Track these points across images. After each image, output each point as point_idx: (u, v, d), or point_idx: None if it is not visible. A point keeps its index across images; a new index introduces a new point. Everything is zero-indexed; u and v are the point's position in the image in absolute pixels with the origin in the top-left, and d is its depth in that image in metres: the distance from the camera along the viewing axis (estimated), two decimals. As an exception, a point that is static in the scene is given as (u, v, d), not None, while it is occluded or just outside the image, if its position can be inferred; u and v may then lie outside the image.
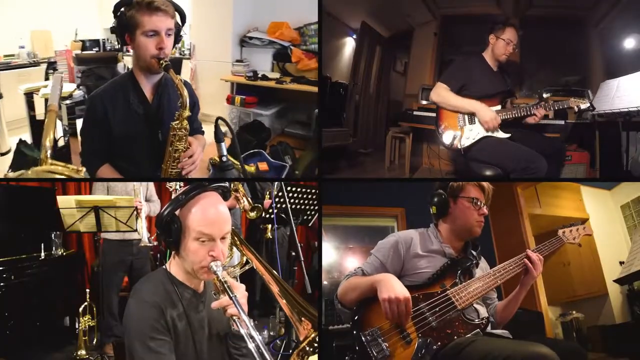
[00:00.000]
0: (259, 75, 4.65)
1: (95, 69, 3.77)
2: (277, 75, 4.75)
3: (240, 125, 4.63)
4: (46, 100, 3.65)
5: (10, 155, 3.68)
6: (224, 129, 1.98)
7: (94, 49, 5.21)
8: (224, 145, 1.89)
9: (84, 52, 4.66)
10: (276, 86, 4.54)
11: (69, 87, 3.58)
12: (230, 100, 4.74)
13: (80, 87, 3.66)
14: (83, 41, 5.27)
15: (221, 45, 4.98)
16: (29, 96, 3.82)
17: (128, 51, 5.87)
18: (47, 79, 4.23)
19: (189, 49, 5.56)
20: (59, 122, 3.69)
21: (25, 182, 3.57)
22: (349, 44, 4.84)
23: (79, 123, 3.30)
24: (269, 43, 4.79)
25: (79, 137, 2.11)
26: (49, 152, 1.62)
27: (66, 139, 3.54)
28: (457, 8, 4.32)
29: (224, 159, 1.89)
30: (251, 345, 1.27)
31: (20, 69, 5.08)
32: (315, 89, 4.32)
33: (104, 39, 5.66)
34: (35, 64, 5.24)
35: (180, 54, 5.61)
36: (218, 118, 1.90)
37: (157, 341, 1.32)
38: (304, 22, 4.75)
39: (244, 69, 4.79)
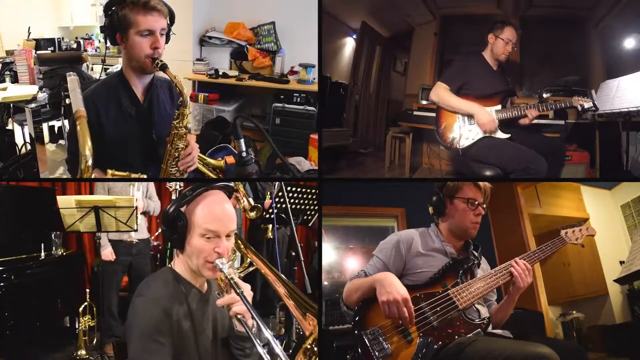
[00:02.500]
0: (220, 73, 4.86)
1: (58, 69, 3.61)
2: (235, 72, 4.99)
3: (204, 122, 4.76)
4: (1, 105, 3.53)
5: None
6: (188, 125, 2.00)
7: (48, 49, 5.09)
8: (243, 142, 1.89)
9: (45, 52, 4.53)
10: (236, 83, 4.82)
11: (30, 90, 3.42)
12: (194, 98, 4.87)
13: (44, 89, 3.52)
14: (37, 40, 5.11)
15: (182, 44, 5.05)
16: None
17: (86, 50, 5.82)
18: (2, 80, 3.99)
19: None
20: (18, 128, 3.61)
21: (25, 182, 3.57)
22: (349, 44, 4.84)
23: (45, 127, 3.20)
24: (227, 42, 5.01)
25: (67, 142, 2.04)
26: (90, 161, 1.57)
27: (29, 144, 3.42)
28: (457, 8, 4.32)
29: (244, 154, 1.89)
30: (257, 343, 1.26)
31: None
32: (271, 84, 4.72)
33: (59, 38, 5.53)
34: None
35: None
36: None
37: (158, 344, 1.31)
38: (257, 22, 5.00)
39: (205, 68, 4.96)
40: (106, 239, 3.27)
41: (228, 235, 1.39)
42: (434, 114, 2.85)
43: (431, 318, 1.61)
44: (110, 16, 1.90)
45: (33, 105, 3.26)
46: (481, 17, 4.01)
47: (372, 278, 1.66)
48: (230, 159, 3.39)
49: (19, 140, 3.75)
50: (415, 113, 4.11)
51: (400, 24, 4.74)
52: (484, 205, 1.85)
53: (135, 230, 3.14)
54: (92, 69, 4.31)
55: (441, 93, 2.71)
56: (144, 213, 3.39)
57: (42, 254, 3.36)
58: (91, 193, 3.72)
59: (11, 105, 3.49)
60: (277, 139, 4.42)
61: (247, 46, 4.98)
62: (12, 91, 3.49)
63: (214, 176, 2.94)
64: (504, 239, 3.41)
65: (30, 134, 3.36)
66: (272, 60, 4.96)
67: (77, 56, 4.00)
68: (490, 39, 2.71)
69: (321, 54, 3.99)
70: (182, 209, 1.39)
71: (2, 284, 2.97)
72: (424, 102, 4.17)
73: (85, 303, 3.33)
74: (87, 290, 3.40)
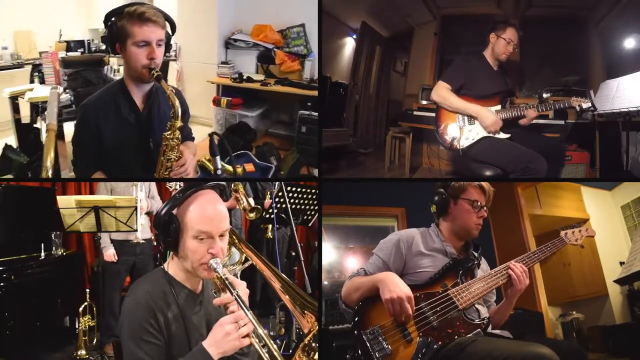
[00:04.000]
0: (245, 77, 4.70)
1: (82, 71, 3.71)
2: (261, 77, 4.79)
3: (226, 126, 4.67)
4: (32, 104, 3.64)
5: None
6: (210, 129, 1.98)
7: (78, 50, 5.16)
8: (219, 159, 1.91)
9: (70, 55, 4.61)
10: (261, 88, 4.60)
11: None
12: (216, 102, 4.78)
13: (67, 90, 3.63)
14: (67, 42, 5.21)
15: (207, 47, 4.99)
16: (14, 99, 3.80)
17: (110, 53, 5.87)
18: (32, 81, 4.20)
19: (175, 50, 5.55)
20: (43, 125, 3.68)
21: (26, 182, 3.57)
22: (349, 44, 4.84)
23: (66, 126, 3.28)
24: (254, 45, 4.86)
25: (72, 145, 2.10)
26: (50, 172, 1.64)
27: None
28: (457, 8, 4.32)
29: (219, 172, 1.90)
30: (255, 340, 1.27)
31: (3, 70, 5.04)
32: (298, 90, 4.43)
33: (88, 40, 5.60)
34: (19, 65, 5.19)
35: (167, 56, 5.60)
36: (212, 133, 1.92)
37: (148, 344, 1.33)
38: (286, 24, 4.82)
39: (230, 71, 4.83)
40: (107, 240, 3.27)
41: (222, 235, 1.39)
42: (434, 114, 2.85)
43: (431, 318, 1.61)
44: (110, 27, 1.95)
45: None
46: (481, 17, 4.02)
47: (374, 278, 1.66)
48: (250, 167, 3.41)
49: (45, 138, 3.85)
50: (415, 113, 4.11)
51: (400, 24, 4.74)
52: (486, 208, 1.85)
53: (135, 230, 3.14)
54: (118, 71, 4.40)
55: (444, 93, 2.70)
56: (148, 213, 3.39)
57: (42, 254, 3.36)
58: (91, 193, 3.73)
59: (39, 105, 3.61)
60: (303, 148, 4.22)
61: (275, 49, 4.77)
62: (38, 92, 3.65)
63: (229, 182, 2.96)
64: (504, 240, 3.41)
65: (53, 132, 3.47)
66: (302, 65, 4.74)
67: (98, 59, 4.09)
68: (492, 38, 2.71)
69: (321, 54, 3.99)
70: (174, 212, 1.39)
71: (2, 284, 2.96)
72: (424, 102, 4.17)
73: (85, 303, 3.33)
74: (87, 290, 3.40)
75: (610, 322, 3.41)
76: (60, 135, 3.29)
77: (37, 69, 4.21)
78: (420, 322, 1.60)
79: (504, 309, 1.84)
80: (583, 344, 3.34)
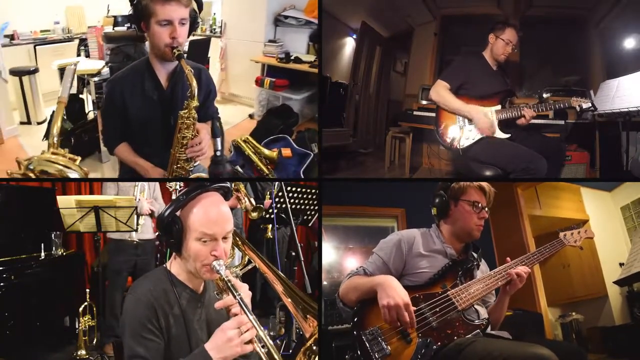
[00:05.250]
0: (292, 57, 4.36)
1: (123, 47, 3.83)
2: (311, 57, 4.38)
3: (268, 108, 4.44)
4: (78, 77, 3.85)
5: (45, 125, 3.93)
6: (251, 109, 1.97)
7: (125, 25, 5.27)
8: (219, 141, 1.93)
9: (112, 30, 4.76)
10: (309, 70, 4.24)
11: (97, 64, 3.80)
12: (259, 82, 4.54)
13: (109, 64, 3.78)
14: (115, 17, 5.32)
15: (254, 23, 4.75)
16: (62, 71, 3.96)
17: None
18: (78, 55, 4.50)
19: (220, 27, 5.35)
20: (89, 97, 4.03)
21: (26, 182, 3.57)
22: (349, 44, 4.83)
23: None
24: (306, 23, 4.53)
25: (101, 118, 2.20)
26: (55, 139, 1.76)
27: (95, 112, 3.76)
28: (457, 8, 4.32)
29: (218, 153, 1.93)
30: (258, 346, 1.27)
31: (55, 44, 5.24)
32: None
33: None
34: (70, 39, 5.40)
35: (211, 32, 5.44)
36: (215, 117, 1.94)
37: (147, 341, 1.33)
38: None
39: (277, 50, 4.50)
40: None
41: (225, 237, 1.39)
42: (434, 114, 2.85)
43: (430, 318, 1.61)
44: (135, 6, 1.99)
45: (96, 78, 3.61)
46: (481, 17, 4.02)
47: (373, 281, 1.66)
48: (287, 152, 3.38)
49: (87, 108, 4.08)
50: (415, 113, 4.11)
51: (400, 24, 4.74)
52: (487, 209, 1.85)
53: (136, 231, 3.14)
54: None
55: (442, 92, 2.71)
56: (151, 215, 3.38)
57: (42, 254, 3.36)
58: (91, 193, 3.73)
59: (85, 77, 3.86)
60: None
61: (329, 28, 4.32)
62: (82, 65, 3.89)
63: (262, 166, 3.04)
64: (503, 240, 3.41)
65: (94, 102, 3.74)
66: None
67: (140, 35, 4.17)
68: (491, 39, 2.72)
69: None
70: (177, 213, 1.39)
71: (2, 284, 2.96)
72: (424, 102, 4.17)
73: (85, 303, 3.33)
74: (87, 290, 3.40)
75: (609, 323, 3.41)
76: (100, 107, 3.48)
77: (83, 43, 4.46)
78: (420, 322, 1.60)
79: (501, 305, 1.84)
80: (582, 345, 3.34)
